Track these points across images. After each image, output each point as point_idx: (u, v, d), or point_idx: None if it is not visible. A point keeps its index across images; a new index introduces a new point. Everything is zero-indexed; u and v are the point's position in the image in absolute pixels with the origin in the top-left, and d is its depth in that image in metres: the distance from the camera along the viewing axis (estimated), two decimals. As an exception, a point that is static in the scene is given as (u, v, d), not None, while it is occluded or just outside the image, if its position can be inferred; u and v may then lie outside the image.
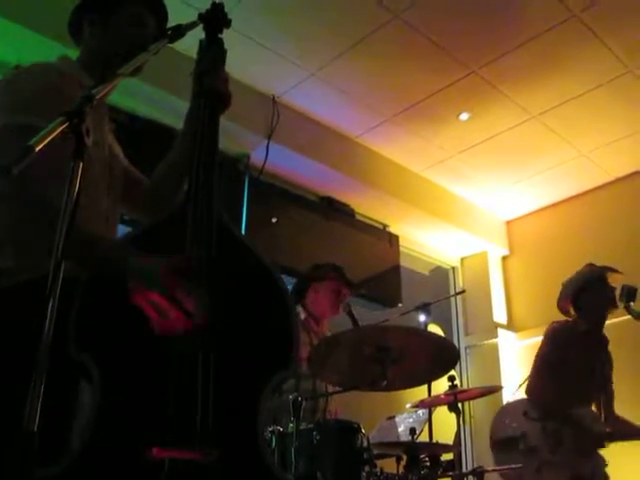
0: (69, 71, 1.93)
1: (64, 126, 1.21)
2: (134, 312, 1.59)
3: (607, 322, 4.10)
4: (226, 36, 2.07)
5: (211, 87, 1.99)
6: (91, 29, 2.02)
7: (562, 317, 4.14)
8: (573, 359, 3.91)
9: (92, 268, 1.65)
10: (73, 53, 2.05)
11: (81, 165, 1.23)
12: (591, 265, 4.18)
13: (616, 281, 4.11)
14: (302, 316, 3.77)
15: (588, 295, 4.05)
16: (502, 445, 3.88)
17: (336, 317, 3.87)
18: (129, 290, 1.57)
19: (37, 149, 1.12)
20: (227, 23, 2.04)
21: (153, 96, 4.25)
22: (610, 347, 4.16)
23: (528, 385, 4.02)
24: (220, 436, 1.53)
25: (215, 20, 2.02)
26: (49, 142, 1.14)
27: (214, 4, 2.03)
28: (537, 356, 4.05)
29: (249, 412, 1.64)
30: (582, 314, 4.07)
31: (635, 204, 5.85)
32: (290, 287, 3.87)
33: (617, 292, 4.05)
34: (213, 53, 2.04)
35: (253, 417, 1.64)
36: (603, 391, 4.09)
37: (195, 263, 1.66)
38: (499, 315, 6.49)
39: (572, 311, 4.12)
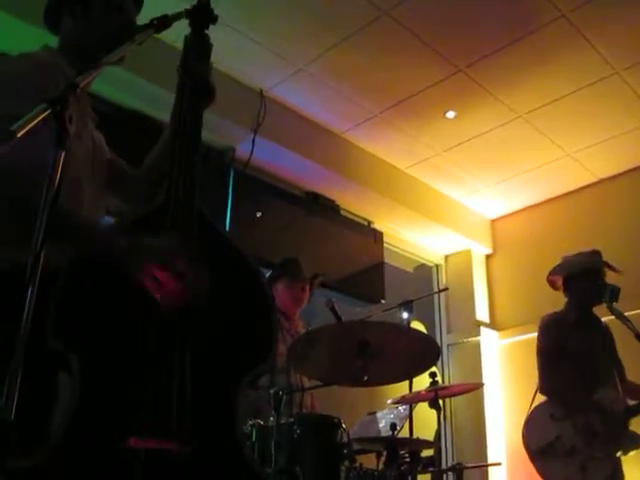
0: (51, 61, 1.90)
1: (46, 113, 1.19)
2: (113, 301, 1.60)
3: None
4: (215, 29, 2.06)
5: (196, 73, 1.98)
6: (72, 19, 2.00)
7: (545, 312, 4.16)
8: (571, 347, 3.91)
9: (83, 247, 1.67)
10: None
11: (63, 154, 1.22)
12: (595, 253, 4.16)
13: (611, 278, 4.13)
14: None
15: (581, 282, 4.06)
16: (542, 454, 3.79)
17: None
18: (130, 265, 1.61)
19: (19, 135, 1.11)
20: (213, 19, 2.03)
21: (140, 87, 4.21)
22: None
23: (540, 385, 3.98)
24: (198, 427, 1.53)
25: (201, 16, 2.01)
26: (31, 129, 1.13)
27: (200, 0, 2.02)
28: (537, 353, 4.04)
29: (227, 404, 1.64)
30: (571, 298, 4.10)
31: (619, 205, 5.88)
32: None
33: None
34: (198, 49, 2.03)
35: (230, 409, 1.64)
36: (613, 366, 4.04)
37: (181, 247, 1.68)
38: (481, 313, 6.51)
39: (559, 287, 4.15)
